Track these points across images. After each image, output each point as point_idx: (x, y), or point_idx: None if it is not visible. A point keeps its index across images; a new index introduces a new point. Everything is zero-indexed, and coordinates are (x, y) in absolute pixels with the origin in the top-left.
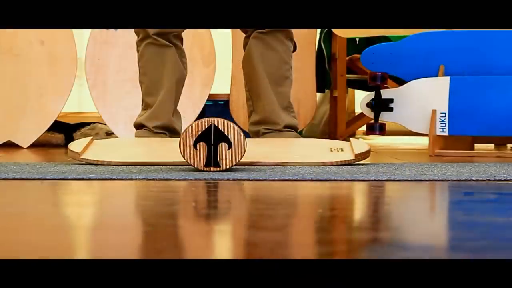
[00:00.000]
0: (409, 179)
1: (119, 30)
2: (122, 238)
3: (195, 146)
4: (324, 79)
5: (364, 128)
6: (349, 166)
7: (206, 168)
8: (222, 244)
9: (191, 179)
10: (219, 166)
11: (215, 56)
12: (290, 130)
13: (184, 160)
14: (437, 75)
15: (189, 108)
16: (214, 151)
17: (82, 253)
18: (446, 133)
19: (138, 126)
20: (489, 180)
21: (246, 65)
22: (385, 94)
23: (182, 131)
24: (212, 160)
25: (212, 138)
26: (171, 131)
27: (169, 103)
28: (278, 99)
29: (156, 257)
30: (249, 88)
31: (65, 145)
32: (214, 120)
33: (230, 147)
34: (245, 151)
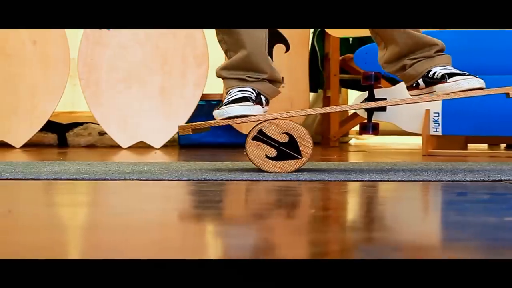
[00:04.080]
0: (402, 179)
1: (112, 30)
2: (119, 238)
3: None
4: (317, 79)
5: (357, 128)
6: (342, 166)
7: (245, 152)
8: (217, 244)
9: (184, 180)
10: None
11: (208, 56)
12: (442, 54)
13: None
14: None
15: (181, 108)
16: (267, 153)
17: (77, 253)
18: (440, 133)
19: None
20: (482, 180)
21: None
22: (379, 93)
23: (276, 117)
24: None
25: (280, 147)
26: (272, 81)
27: (261, 52)
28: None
29: (153, 257)
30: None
31: (58, 145)
32: (305, 137)
33: (277, 160)
34: (275, 172)
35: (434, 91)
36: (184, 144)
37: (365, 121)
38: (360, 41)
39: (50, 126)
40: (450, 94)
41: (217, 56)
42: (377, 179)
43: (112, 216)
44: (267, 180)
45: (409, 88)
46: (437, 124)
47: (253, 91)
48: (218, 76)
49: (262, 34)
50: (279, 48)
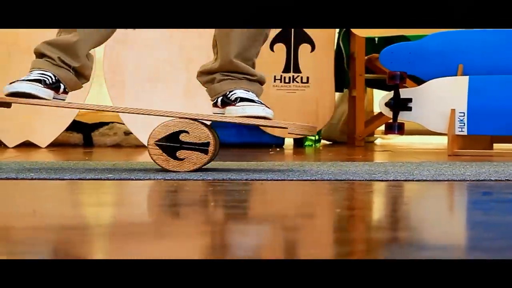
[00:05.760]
0: (427, 179)
1: (137, 29)
2: (131, 238)
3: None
4: (342, 79)
5: (382, 127)
6: (367, 166)
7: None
8: (238, 243)
9: (209, 180)
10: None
11: None
12: (254, 81)
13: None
14: (456, 75)
15: (206, 107)
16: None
17: (102, 254)
18: (465, 133)
19: (39, 54)
20: (507, 180)
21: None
22: (404, 93)
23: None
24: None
25: (179, 140)
26: (79, 74)
27: (89, 43)
28: (245, 53)
29: (166, 257)
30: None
31: (83, 145)
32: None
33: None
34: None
35: (225, 113)
36: None
37: (391, 121)
38: (386, 41)
39: (75, 126)
40: (234, 118)
41: None
42: (402, 179)
43: (136, 216)
44: (291, 180)
45: (213, 105)
46: (463, 124)
47: (53, 76)
48: (36, 50)
49: (104, 30)
50: (304, 48)
